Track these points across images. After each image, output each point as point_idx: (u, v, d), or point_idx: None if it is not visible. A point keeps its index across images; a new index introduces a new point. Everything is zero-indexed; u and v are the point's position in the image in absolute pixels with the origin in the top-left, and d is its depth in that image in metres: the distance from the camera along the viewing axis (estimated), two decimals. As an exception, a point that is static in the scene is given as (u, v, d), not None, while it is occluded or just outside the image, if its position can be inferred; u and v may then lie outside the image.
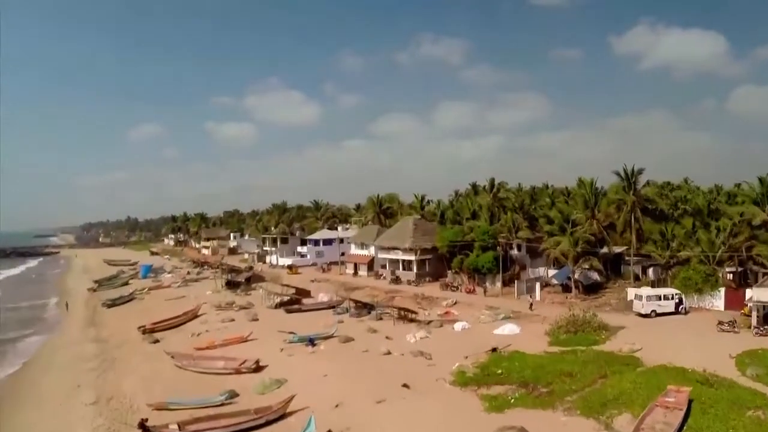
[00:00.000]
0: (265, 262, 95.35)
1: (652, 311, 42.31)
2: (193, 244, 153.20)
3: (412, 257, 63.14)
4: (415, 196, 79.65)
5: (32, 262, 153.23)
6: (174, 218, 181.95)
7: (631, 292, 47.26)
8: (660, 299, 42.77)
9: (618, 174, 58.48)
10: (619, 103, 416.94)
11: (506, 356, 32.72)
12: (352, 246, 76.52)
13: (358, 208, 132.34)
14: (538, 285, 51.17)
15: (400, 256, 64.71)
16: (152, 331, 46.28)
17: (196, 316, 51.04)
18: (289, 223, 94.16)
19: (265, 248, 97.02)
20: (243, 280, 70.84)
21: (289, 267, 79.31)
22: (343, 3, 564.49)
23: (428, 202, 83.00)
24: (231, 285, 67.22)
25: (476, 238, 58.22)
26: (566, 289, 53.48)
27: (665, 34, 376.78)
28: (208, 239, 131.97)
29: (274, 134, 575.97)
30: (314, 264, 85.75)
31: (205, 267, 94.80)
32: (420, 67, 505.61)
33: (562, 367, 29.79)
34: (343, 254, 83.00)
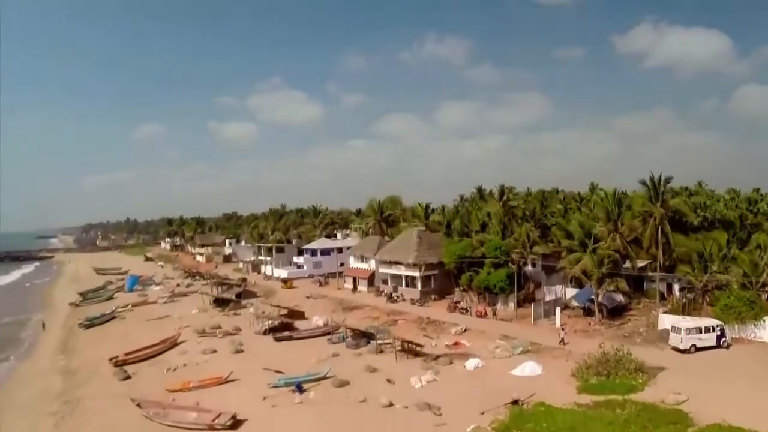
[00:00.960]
0: (259, 273, 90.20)
1: (692, 346, 36.93)
2: (189, 249, 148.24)
3: (416, 273, 57.88)
4: (419, 204, 74.17)
5: (27, 268, 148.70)
6: (170, 222, 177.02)
7: (664, 320, 41.99)
8: (701, 332, 37.36)
9: (644, 183, 53.13)
10: (622, 102, 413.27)
11: (530, 412, 27.41)
12: (352, 258, 71.23)
13: (358, 213, 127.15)
14: (558, 310, 45.75)
15: (402, 271, 59.46)
16: (125, 363, 41.29)
17: (176, 344, 45.90)
18: (285, 230, 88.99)
19: (260, 257, 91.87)
20: (233, 296, 65.74)
21: (284, 281, 74.09)
22: (346, 2, 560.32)
23: (433, 210, 77.45)
24: (219, 303, 62.03)
25: (487, 254, 52.95)
26: (588, 312, 48.16)
27: (668, 33, 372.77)
28: (202, 245, 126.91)
29: (276, 134, 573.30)
30: (311, 276, 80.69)
31: (197, 278, 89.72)
32: (423, 67, 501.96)
33: (600, 429, 24.57)
34: (342, 265, 78.01)
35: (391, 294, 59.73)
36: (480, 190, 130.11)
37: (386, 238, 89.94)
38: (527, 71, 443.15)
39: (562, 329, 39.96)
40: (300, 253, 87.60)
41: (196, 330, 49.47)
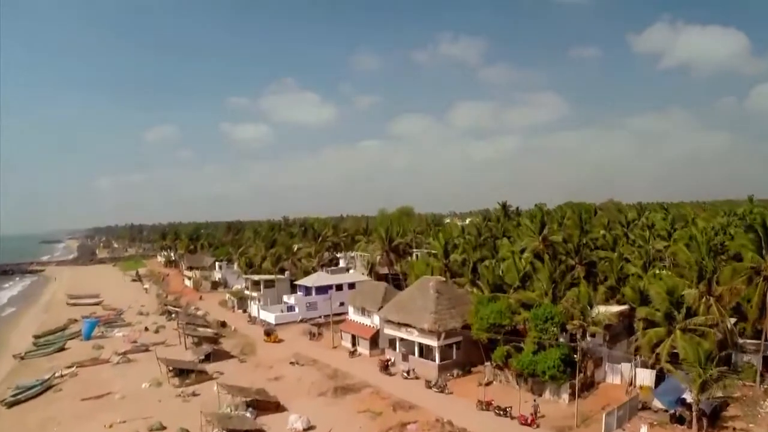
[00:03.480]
0: (245, 311, 76.66)
1: None
2: (182, 265, 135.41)
3: (434, 342, 43.53)
4: (438, 238, 59.01)
5: (18, 286, 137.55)
6: (163, 235, 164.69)
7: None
8: None
9: (752, 229, 38.30)
10: (638, 102, 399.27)
11: None
12: (351, 309, 56.92)
13: (366, 230, 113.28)
14: (645, 429, 31.11)
15: (415, 336, 45.19)
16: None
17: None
18: (276, 261, 75.19)
19: (247, 291, 78.14)
20: (200, 358, 52.29)
21: (267, 333, 60.03)
22: (359, 2, 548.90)
23: (454, 246, 62.44)
24: (179, 372, 48.33)
25: (532, 324, 38.50)
26: (678, 419, 33.50)
27: (685, 32, 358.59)
28: (190, 268, 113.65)
29: (289, 135, 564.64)
30: (302, 320, 66.97)
31: (173, 316, 76.36)
32: (437, 67, 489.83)
33: None
34: (341, 304, 64.68)
35: (387, 365, 45.90)
36: (505, 206, 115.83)
37: (394, 268, 76.18)
38: (542, 71, 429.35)
39: None
40: (293, 288, 74.01)
41: (127, 435, 35.67)
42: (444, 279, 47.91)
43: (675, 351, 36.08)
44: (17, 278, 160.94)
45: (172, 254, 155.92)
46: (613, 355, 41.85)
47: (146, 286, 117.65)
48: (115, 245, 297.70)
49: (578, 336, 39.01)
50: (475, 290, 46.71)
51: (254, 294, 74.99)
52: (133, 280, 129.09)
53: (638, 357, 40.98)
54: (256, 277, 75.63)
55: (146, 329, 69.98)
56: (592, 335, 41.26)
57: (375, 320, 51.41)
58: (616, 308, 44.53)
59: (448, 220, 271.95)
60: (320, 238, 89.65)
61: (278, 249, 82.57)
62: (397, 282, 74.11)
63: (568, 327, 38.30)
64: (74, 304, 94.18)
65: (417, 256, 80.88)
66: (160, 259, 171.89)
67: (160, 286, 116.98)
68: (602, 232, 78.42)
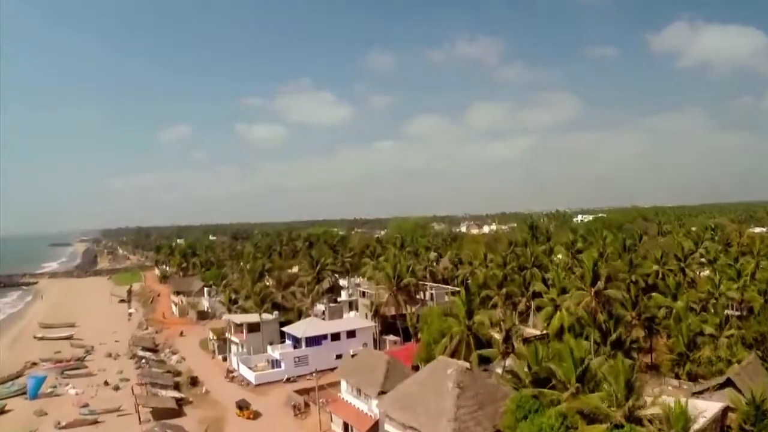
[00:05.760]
0: (225, 359, 64.78)
1: None
2: (172, 287, 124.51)
3: (452, 459, 30.91)
4: (460, 298, 45.13)
5: (6, 311, 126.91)
6: (158, 249, 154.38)
7: None
8: None
9: None
10: (654, 102, 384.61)
11: None
12: (344, 384, 44.21)
13: (373, 253, 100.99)
14: None
15: (426, 443, 32.59)
16: None
17: None
18: (261, 300, 62.94)
19: (226, 333, 66.06)
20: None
21: (239, 406, 47.58)
22: (376, 1, 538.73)
23: (480, 304, 49.27)
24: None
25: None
26: None
27: (704, 31, 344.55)
28: (177, 293, 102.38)
29: (304, 136, 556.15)
30: (289, 379, 55.04)
31: (143, 361, 64.86)
32: (454, 67, 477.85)
33: None
34: (338, 357, 53.43)
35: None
36: (532, 227, 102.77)
37: (408, 307, 63.88)
38: (558, 70, 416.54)
39: None
40: (281, 335, 62.08)
41: None
42: (468, 366, 34.93)
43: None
44: (19, 292, 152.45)
45: (167, 268, 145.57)
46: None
47: (131, 310, 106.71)
48: (120, 251, 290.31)
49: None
50: (510, 378, 33.97)
51: (235, 339, 63.11)
52: (121, 301, 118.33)
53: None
54: (237, 319, 63.62)
55: (106, 383, 58.35)
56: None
57: (373, 407, 38.92)
58: (711, 407, 31.75)
59: (464, 228, 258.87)
60: (318, 266, 77.45)
61: (263, 285, 70.42)
62: (405, 329, 61.99)
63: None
64: (42, 338, 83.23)
65: (432, 294, 68.45)
66: (157, 272, 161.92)
67: (147, 310, 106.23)
68: (655, 267, 65.16)
